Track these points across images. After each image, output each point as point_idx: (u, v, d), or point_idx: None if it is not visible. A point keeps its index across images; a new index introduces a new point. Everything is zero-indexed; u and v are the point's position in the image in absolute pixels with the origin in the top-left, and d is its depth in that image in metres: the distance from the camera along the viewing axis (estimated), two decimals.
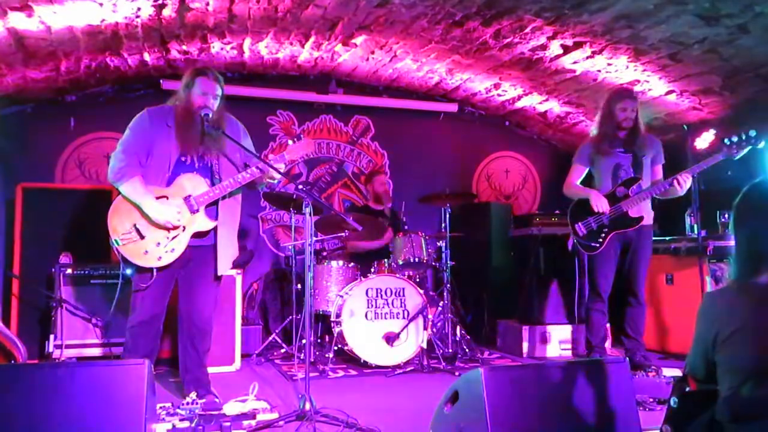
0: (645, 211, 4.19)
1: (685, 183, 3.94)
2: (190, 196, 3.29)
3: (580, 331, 4.83)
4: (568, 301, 5.10)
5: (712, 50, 4.30)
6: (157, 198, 3.23)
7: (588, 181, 4.43)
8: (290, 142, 3.48)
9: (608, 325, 4.56)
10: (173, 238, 3.26)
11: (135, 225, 3.22)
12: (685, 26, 4.06)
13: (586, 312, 4.43)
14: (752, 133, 3.73)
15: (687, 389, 1.88)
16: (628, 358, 4.23)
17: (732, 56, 4.33)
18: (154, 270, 3.24)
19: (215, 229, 3.38)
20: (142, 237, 3.22)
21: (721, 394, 1.73)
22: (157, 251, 3.24)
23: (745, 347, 1.67)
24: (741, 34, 4.03)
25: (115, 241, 3.19)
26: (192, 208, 3.29)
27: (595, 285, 4.28)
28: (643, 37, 4.32)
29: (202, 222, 3.32)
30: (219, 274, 3.44)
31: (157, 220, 3.20)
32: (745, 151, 3.79)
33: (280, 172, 3.39)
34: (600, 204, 4.13)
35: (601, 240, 4.16)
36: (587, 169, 4.40)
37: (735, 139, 3.76)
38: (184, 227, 3.28)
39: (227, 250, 3.45)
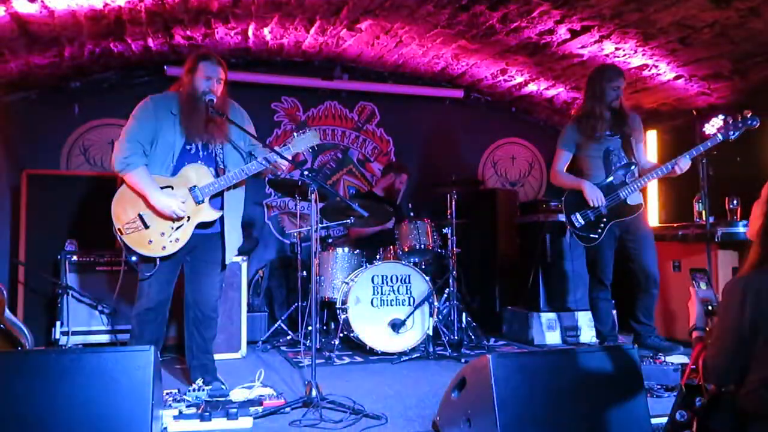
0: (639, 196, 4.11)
1: (685, 167, 3.93)
2: (195, 186, 3.27)
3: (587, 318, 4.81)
4: (574, 288, 5.09)
5: (723, 34, 4.24)
6: (162, 188, 3.21)
7: (573, 166, 4.26)
8: (295, 134, 3.43)
9: (614, 311, 4.51)
10: (177, 228, 3.25)
11: (139, 214, 3.21)
12: (695, 9, 3.99)
13: (591, 302, 4.36)
14: (748, 114, 3.83)
15: (698, 402, 1.78)
16: (639, 342, 4.14)
17: (743, 40, 4.27)
18: (158, 259, 3.23)
19: (221, 218, 3.37)
20: (146, 226, 3.21)
21: (748, 386, 1.65)
22: (161, 241, 3.22)
23: None
24: (752, 17, 3.97)
25: (119, 229, 3.18)
26: (196, 199, 3.27)
27: (597, 274, 4.21)
28: (653, 21, 4.26)
29: (206, 213, 3.31)
30: (227, 263, 3.44)
31: (162, 210, 3.19)
32: (741, 131, 3.84)
33: (288, 159, 3.36)
34: (595, 198, 4.01)
35: (600, 231, 4.04)
36: (572, 155, 4.25)
37: (731, 119, 3.84)
38: (188, 217, 3.27)
39: (233, 239, 3.45)
